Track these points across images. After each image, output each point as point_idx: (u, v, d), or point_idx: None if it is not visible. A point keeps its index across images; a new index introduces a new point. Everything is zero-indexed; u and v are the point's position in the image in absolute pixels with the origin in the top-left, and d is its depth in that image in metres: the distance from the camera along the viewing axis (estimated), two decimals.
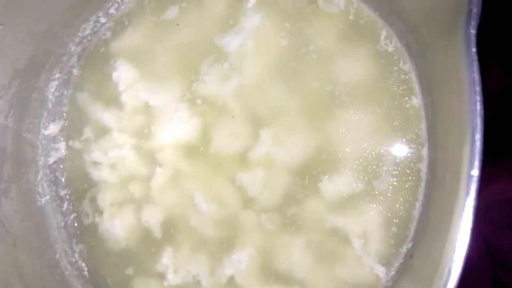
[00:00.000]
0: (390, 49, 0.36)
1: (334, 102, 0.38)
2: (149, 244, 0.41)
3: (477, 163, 0.22)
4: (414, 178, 0.35)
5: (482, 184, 0.46)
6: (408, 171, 0.35)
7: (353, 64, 0.37)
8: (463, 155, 0.23)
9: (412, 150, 0.36)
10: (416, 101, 0.35)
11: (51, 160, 0.42)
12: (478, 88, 0.23)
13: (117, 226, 0.42)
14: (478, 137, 0.22)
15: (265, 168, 0.39)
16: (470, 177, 0.22)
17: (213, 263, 0.40)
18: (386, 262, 0.35)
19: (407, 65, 0.36)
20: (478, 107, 0.22)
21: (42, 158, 0.42)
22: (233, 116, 0.40)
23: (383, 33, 0.36)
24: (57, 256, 0.40)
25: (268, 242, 0.39)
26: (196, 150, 0.41)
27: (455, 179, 0.24)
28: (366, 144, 0.37)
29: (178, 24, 0.42)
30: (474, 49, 0.23)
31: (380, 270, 0.35)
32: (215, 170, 0.40)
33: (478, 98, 0.22)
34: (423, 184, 0.34)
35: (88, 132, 0.43)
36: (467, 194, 0.22)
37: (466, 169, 0.22)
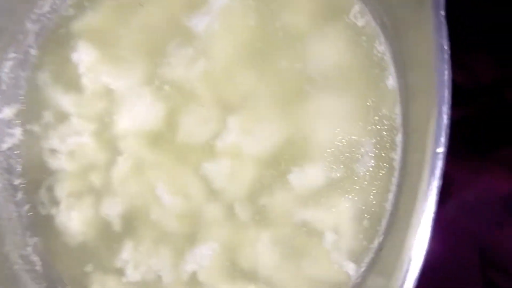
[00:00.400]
0: (364, 28, 0.33)
1: (306, 85, 0.36)
2: (108, 238, 0.39)
3: (443, 140, 0.19)
4: (387, 166, 0.32)
5: (472, 178, 0.44)
6: (382, 159, 0.33)
7: (326, 44, 0.35)
8: (429, 131, 0.20)
9: (386, 136, 0.33)
10: (391, 83, 0.32)
11: (5, 146, 0.40)
12: (446, 56, 0.20)
13: (75, 219, 0.39)
14: (445, 109, 0.20)
15: (233, 158, 0.37)
16: (435, 155, 0.19)
17: (176, 258, 0.37)
18: (356, 258, 0.33)
19: (382, 46, 0.33)
20: (446, 76, 0.20)
21: None
22: (202, 106, 0.38)
23: (357, 11, 0.33)
24: (7, 248, 0.38)
25: (234, 237, 0.37)
26: (160, 138, 0.38)
27: (421, 160, 0.21)
28: (339, 129, 0.35)
29: (141, 5, 0.39)
30: (442, 12, 0.20)
31: (350, 267, 0.33)
32: (179, 160, 0.38)
33: (446, 66, 0.20)
34: (396, 173, 0.31)
35: (46, 117, 0.40)
36: (432, 174, 0.19)
37: (431, 146, 0.20)
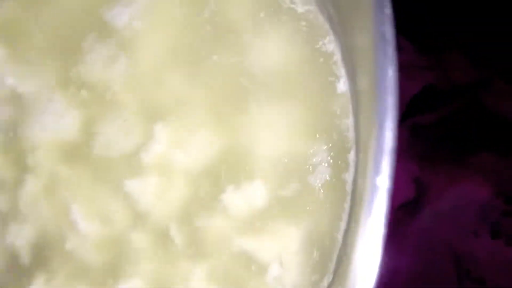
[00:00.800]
0: (304, 14, 0.27)
1: (247, 90, 0.31)
2: (15, 271, 0.33)
3: (386, 166, 0.14)
4: (340, 187, 0.27)
5: (447, 186, 0.41)
6: (336, 174, 0.27)
7: (264, 36, 0.29)
8: (368, 154, 0.15)
9: (338, 151, 0.27)
10: (342, 87, 0.27)
11: None
12: (390, 48, 0.14)
13: None
14: (390, 125, 0.14)
15: (161, 174, 0.32)
16: (374, 188, 0.13)
17: None
18: None
19: (331, 45, 0.28)
20: (389, 76, 0.14)
21: None
22: (124, 113, 0.33)
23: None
24: None
25: (163, 270, 0.31)
26: (75, 151, 0.33)
27: (362, 191, 0.16)
28: (286, 138, 0.30)
29: None
30: None
31: None
32: (98, 177, 0.33)
33: (390, 62, 0.14)
34: (348, 198, 0.26)
35: None
36: (369, 214, 0.14)
37: (370, 175, 0.14)
